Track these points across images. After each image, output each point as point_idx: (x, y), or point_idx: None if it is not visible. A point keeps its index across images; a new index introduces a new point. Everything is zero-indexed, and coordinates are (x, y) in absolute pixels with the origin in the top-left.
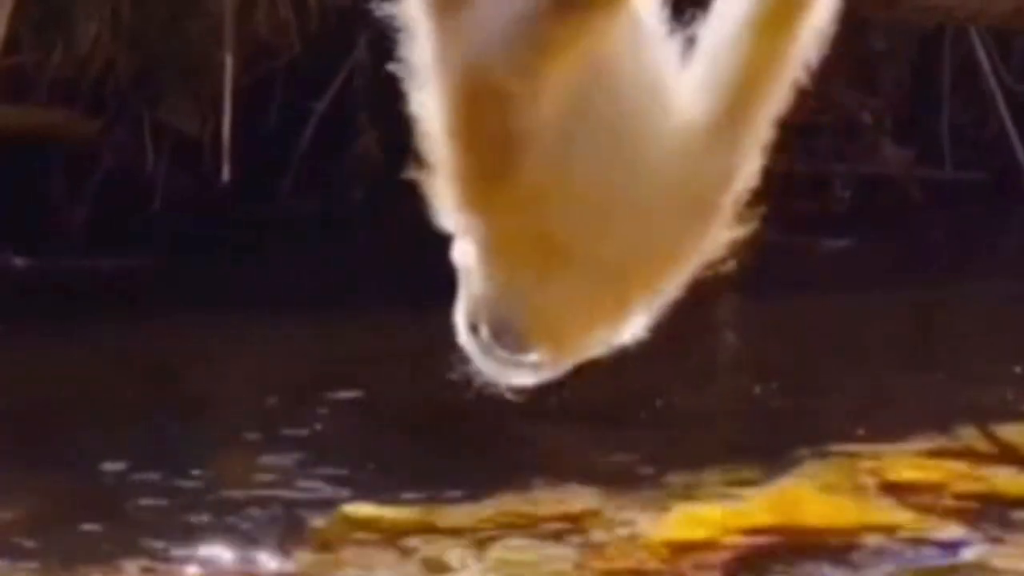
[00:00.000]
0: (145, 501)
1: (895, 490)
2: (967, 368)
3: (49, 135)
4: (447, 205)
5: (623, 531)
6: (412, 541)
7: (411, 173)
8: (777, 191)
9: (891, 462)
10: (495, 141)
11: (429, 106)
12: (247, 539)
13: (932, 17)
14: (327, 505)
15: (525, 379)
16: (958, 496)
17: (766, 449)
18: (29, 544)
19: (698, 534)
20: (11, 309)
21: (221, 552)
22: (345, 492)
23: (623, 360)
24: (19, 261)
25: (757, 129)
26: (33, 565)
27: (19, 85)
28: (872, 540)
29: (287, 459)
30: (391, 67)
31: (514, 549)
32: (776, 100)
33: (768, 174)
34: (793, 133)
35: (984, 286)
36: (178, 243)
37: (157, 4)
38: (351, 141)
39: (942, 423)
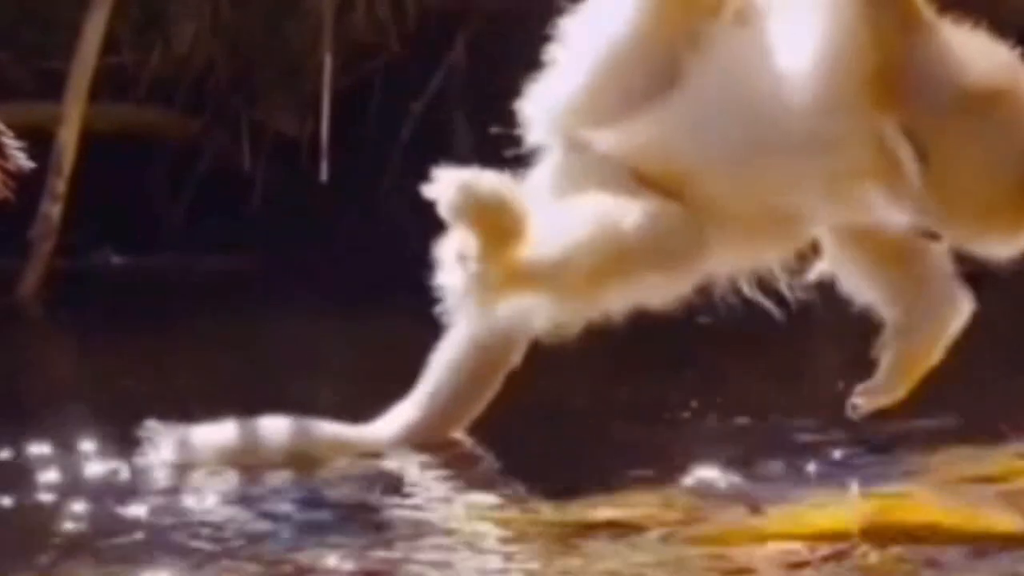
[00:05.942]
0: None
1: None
2: None
3: (148, 134)
4: None
5: (724, 530)
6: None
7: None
8: None
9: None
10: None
11: None
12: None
13: None
14: (447, 502)
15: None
16: None
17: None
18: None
19: (815, 532)
20: (108, 306)
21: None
22: (466, 491)
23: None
24: (117, 259)
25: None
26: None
27: (119, 84)
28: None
29: (392, 462)
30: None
31: (637, 547)
32: None
33: None
34: None
35: None
36: (276, 242)
37: (256, 4)
38: (448, 142)
39: None
